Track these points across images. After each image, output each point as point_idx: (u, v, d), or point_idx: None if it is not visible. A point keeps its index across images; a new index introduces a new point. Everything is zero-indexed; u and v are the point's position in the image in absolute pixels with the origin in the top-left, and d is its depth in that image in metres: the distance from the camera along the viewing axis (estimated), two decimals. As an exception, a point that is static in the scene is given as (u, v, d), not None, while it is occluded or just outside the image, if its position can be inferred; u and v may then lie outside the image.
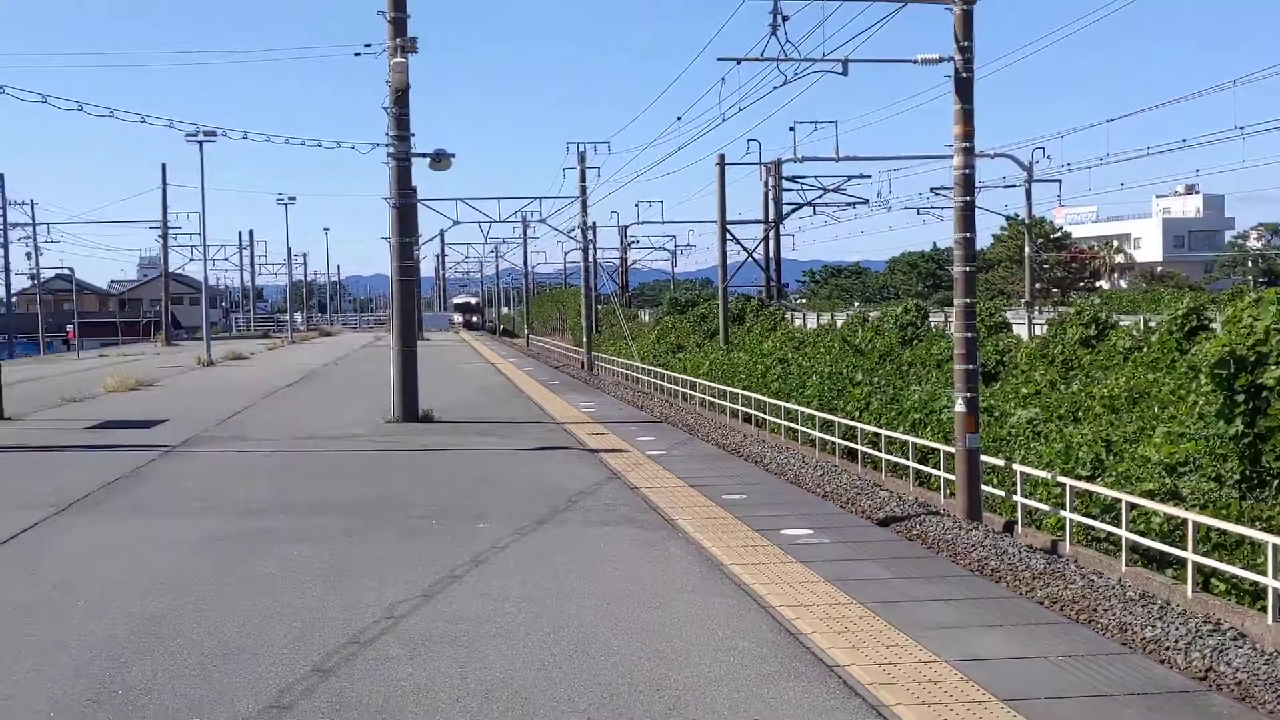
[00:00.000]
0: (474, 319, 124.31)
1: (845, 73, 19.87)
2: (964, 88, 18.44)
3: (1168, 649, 12.43)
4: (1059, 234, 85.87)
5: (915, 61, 19.13)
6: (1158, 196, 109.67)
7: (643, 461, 17.72)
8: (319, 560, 11.07)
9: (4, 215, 73.65)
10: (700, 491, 14.89)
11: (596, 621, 8.84)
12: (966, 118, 18.48)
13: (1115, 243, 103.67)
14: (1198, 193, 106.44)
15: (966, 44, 18.40)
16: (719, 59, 22.04)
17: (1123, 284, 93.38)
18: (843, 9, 19.77)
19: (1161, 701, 7.10)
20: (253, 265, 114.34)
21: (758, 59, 20.35)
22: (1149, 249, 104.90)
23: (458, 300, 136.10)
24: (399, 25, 22.60)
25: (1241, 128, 36.53)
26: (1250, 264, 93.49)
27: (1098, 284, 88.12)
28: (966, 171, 18.69)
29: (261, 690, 7.35)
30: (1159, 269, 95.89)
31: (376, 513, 13.58)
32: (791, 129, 41.88)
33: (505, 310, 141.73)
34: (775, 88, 21.74)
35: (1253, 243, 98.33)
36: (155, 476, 16.54)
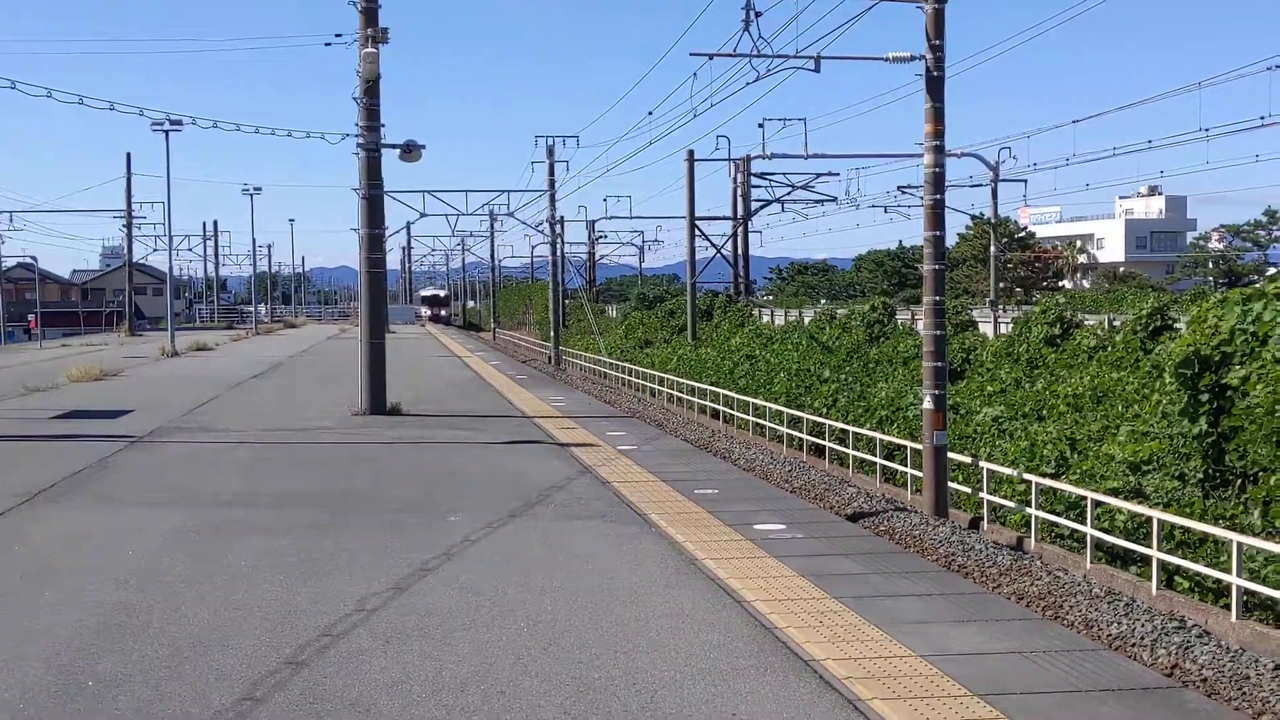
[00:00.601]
0: (442, 312, 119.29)
1: (818, 69, 19.91)
2: (935, 86, 18.51)
3: (1134, 645, 12.52)
4: (1023, 234, 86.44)
5: (887, 59, 19.19)
6: (1121, 197, 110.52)
7: (614, 456, 17.69)
8: (289, 553, 10.98)
9: (-35, 203, 72.66)
10: (671, 486, 14.87)
11: (570, 616, 8.80)
12: (937, 116, 18.55)
13: (1079, 243, 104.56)
14: (1160, 194, 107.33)
15: (938, 42, 18.48)
16: (691, 54, 22.06)
17: (1085, 284, 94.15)
18: (815, 5, 19.89)
19: (1137, 698, 7.14)
20: (217, 256, 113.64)
21: (730, 54, 20.38)
22: (1112, 249, 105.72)
23: (425, 293, 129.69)
24: (370, 15, 22.45)
25: (1206, 129, 36.93)
26: (1211, 265, 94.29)
27: (1061, 283, 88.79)
28: (937, 170, 18.77)
29: (234, 682, 7.28)
30: (1121, 269, 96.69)
31: (346, 505, 13.48)
32: (761, 125, 42.02)
33: (471, 304, 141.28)
34: (747, 83, 21.79)
35: (1214, 244, 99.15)
36: (122, 467, 16.38)
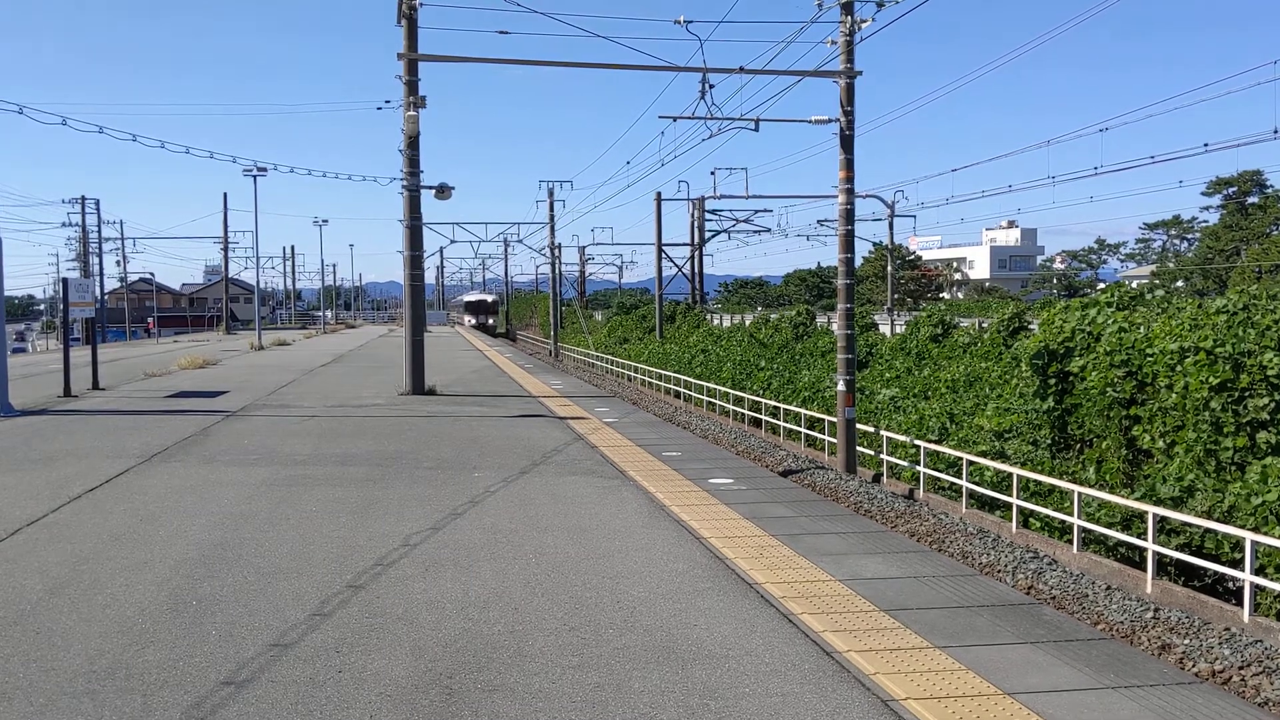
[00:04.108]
0: (489, 320, 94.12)
1: (757, 129, 19.84)
2: (847, 142, 18.46)
3: (1000, 571, 12.52)
4: (913, 257, 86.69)
5: (810, 121, 19.12)
6: (987, 229, 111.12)
7: (599, 427, 17.58)
8: (349, 500, 10.85)
9: (99, 231, 71.92)
10: (645, 450, 14.77)
11: (568, 549, 8.71)
12: (848, 165, 18.50)
13: (954, 264, 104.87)
14: (1018, 226, 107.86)
15: (849, 109, 18.41)
16: (660, 116, 21.91)
17: (959, 296, 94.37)
18: (756, 78, 19.71)
19: (1003, 610, 7.10)
20: (293, 272, 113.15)
21: (690, 117, 20.23)
22: (980, 269, 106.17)
23: (469, 298, 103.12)
24: (412, 86, 22.21)
25: (1053, 177, 37.33)
26: (1055, 281, 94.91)
27: (941, 295, 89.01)
28: (848, 207, 18.72)
29: (307, 601, 7.16)
30: (987, 284, 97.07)
31: (393, 464, 13.33)
32: (713, 173, 42.26)
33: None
34: (703, 139, 21.68)
35: (1058, 265, 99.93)
36: (219, 435, 16.18)
